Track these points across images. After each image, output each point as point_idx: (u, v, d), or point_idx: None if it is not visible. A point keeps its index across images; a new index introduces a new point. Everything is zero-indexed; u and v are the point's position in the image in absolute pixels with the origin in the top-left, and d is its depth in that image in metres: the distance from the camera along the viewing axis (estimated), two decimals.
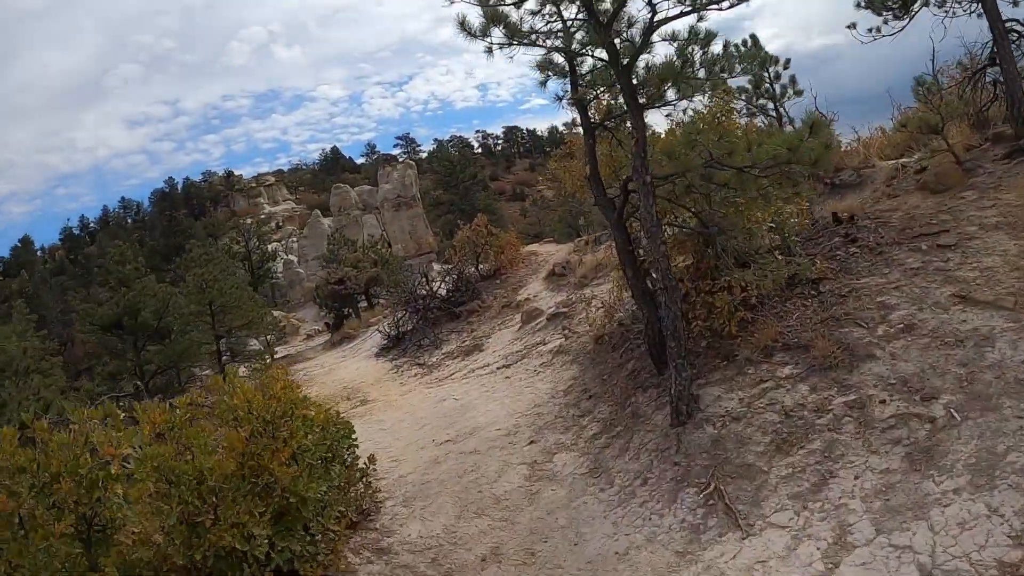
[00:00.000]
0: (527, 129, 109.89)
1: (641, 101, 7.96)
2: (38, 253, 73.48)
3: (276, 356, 28.50)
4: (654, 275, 8.29)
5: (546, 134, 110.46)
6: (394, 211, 44.26)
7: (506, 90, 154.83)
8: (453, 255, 22.86)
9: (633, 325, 10.53)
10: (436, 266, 28.29)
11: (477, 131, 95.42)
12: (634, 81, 7.93)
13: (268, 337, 29.08)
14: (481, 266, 21.98)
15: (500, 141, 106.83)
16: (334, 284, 26.83)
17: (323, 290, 27.95)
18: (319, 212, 49.37)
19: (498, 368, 12.70)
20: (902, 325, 6.89)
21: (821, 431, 6.20)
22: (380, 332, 19.81)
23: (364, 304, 29.87)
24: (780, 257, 8.73)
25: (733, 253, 8.58)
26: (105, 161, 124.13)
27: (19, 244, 70.47)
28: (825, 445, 6.03)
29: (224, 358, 21.34)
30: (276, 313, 38.00)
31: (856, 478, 5.56)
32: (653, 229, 7.79)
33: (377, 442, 10.20)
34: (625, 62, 7.80)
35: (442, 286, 20.10)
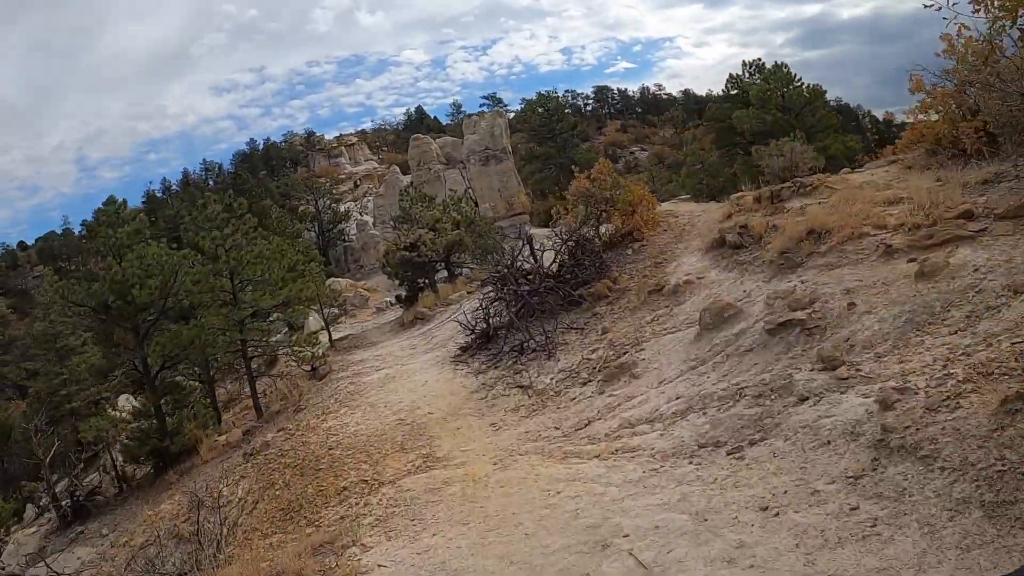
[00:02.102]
0: (618, 88, 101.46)
1: None
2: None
3: (334, 338, 23.04)
4: None
5: (637, 94, 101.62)
6: (481, 165, 38.07)
7: (591, 54, 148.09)
8: (562, 213, 16.18)
9: None
10: (536, 230, 21.76)
11: (566, 91, 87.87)
12: None
13: (325, 312, 23.61)
14: (603, 228, 15.34)
15: (590, 101, 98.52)
16: (406, 250, 20.88)
17: (393, 256, 22.11)
18: (398, 168, 43.82)
19: (691, 452, 6.04)
20: None
21: None
22: (461, 322, 13.53)
23: (443, 275, 23.86)
24: None
25: None
26: (194, 127, 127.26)
27: (103, 207, 70.12)
28: None
29: (251, 347, 15.78)
30: (341, 282, 32.76)
31: None
32: None
33: None
34: None
35: (554, 257, 13.56)
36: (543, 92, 41.75)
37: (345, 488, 8.05)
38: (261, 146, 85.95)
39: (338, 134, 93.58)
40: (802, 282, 8.89)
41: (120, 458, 17.66)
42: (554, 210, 17.08)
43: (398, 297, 24.95)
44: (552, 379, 9.88)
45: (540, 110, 40.53)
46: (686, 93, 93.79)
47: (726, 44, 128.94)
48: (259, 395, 16.87)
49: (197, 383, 19.13)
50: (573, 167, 22.92)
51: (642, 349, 9.65)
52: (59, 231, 74.64)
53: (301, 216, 43.35)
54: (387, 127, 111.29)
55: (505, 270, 12.82)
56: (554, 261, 13.20)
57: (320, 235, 44.80)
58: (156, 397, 16.39)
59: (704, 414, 6.62)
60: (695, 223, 16.26)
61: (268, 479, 9.74)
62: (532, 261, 13.17)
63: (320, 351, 17.45)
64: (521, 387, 9.86)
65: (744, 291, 10.17)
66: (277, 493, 8.95)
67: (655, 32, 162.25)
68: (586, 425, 7.82)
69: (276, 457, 10.69)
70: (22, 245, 79.35)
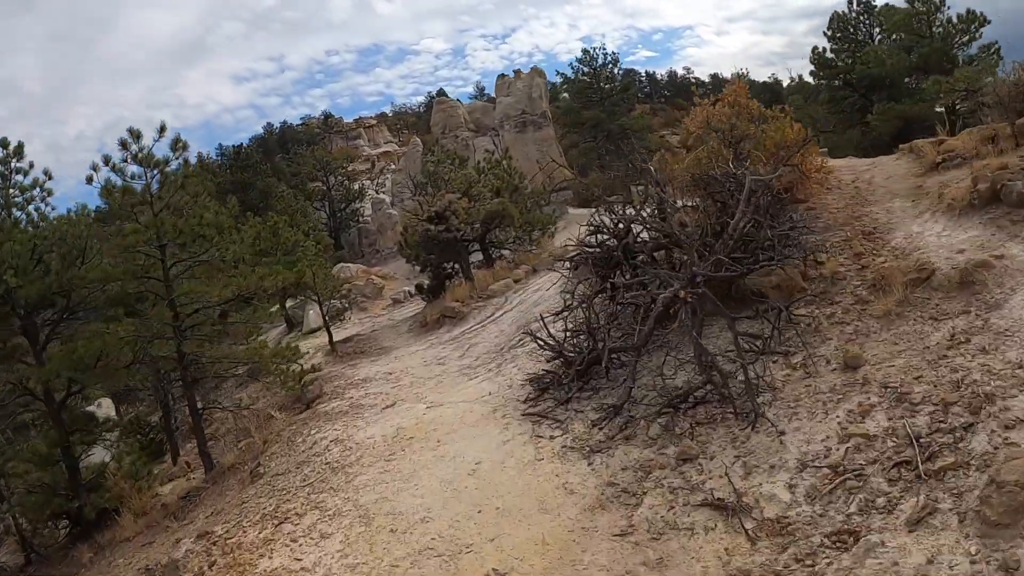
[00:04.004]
0: (645, 71, 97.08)
1: None
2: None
3: (336, 339, 17.45)
4: None
5: (665, 78, 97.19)
6: (517, 132, 32.20)
7: (611, 42, 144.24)
8: (673, 158, 10.41)
9: None
10: (577, 211, 15.83)
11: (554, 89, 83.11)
12: None
13: (326, 306, 18.04)
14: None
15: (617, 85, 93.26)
16: (429, 222, 15.14)
17: (413, 233, 16.41)
18: (419, 141, 38.10)
19: None
20: None
21: None
22: (540, 338, 7.66)
23: (474, 259, 18.15)
24: None
25: None
26: (214, 116, 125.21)
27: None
28: None
29: (200, 363, 10.14)
30: (352, 268, 27.24)
31: None
32: None
33: None
34: None
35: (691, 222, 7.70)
36: (588, 49, 35.69)
37: None
38: (278, 130, 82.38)
39: (357, 116, 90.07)
40: None
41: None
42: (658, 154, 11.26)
43: (419, 287, 19.24)
44: (785, 484, 4.09)
45: (585, 70, 34.36)
46: (714, 77, 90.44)
47: (747, 32, 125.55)
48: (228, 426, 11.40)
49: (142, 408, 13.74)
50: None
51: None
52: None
53: (310, 195, 37.78)
54: (408, 110, 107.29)
55: (616, 241, 6.97)
56: (698, 230, 7.34)
57: (331, 216, 39.18)
58: (62, 435, 10.94)
59: None
60: (872, 180, 10.69)
61: None
62: (659, 223, 7.30)
63: (303, 366, 11.88)
64: (716, 506, 4.10)
65: None
66: None
67: (675, 20, 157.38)
68: None
69: None
70: None
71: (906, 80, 20.16)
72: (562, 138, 35.07)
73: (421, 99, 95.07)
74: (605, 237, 7.55)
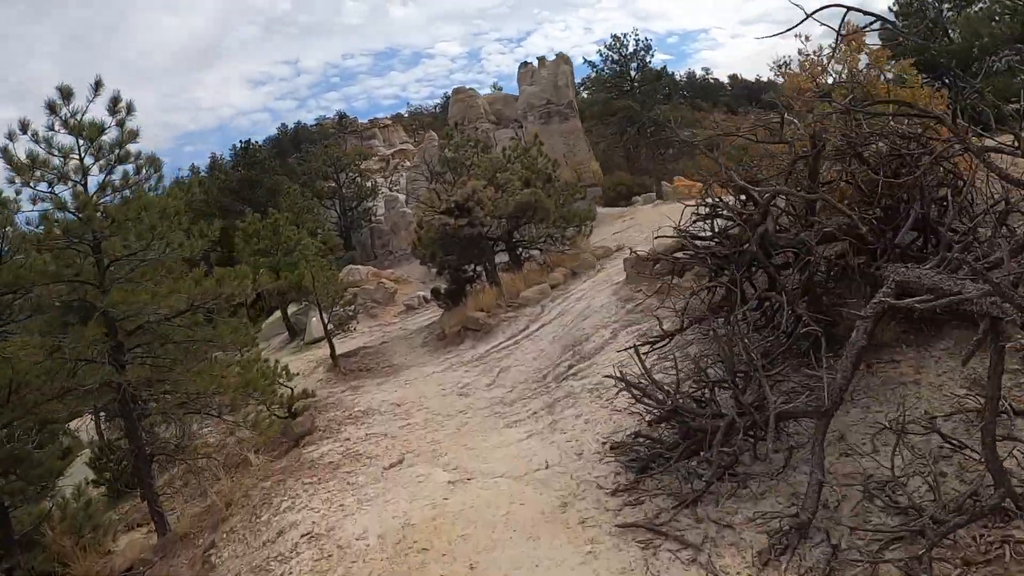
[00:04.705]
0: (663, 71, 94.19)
1: None
2: None
3: (339, 352, 14.96)
4: None
5: (684, 78, 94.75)
6: (542, 123, 29.57)
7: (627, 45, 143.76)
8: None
9: None
10: (605, 210, 13.36)
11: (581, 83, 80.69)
12: None
13: (327, 315, 15.61)
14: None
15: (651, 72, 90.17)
16: (449, 214, 12.57)
17: (429, 229, 13.87)
18: (435, 135, 35.61)
19: None
20: None
21: None
22: (630, 382, 5.03)
23: (499, 258, 15.59)
24: None
25: None
26: (230, 119, 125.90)
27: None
28: None
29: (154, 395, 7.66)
30: (361, 270, 24.83)
31: None
32: None
33: None
34: None
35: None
36: (616, 35, 32.78)
37: None
38: (292, 130, 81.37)
39: (372, 117, 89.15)
40: None
41: None
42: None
43: (435, 292, 16.71)
44: None
45: (615, 54, 31.63)
46: (733, 78, 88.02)
47: (762, 34, 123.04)
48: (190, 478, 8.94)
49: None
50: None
51: None
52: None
53: (318, 193, 35.39)
54: (424, 111, 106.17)
55: (747, 230, 4.36)
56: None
57: (342, 214, 36.75)
58: None
59: None
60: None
61: None
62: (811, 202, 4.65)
63: (293, 391, 9.41)
64: None
65: None
66: None
67: (690, 23, 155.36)
68: None
69: None
70: None
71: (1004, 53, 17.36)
72: (588, 132, 32.41)
73: (437, 101, 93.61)
74: (726, 224, 4.93)
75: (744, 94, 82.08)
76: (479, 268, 15.32)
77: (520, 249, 15.25)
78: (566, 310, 10.89)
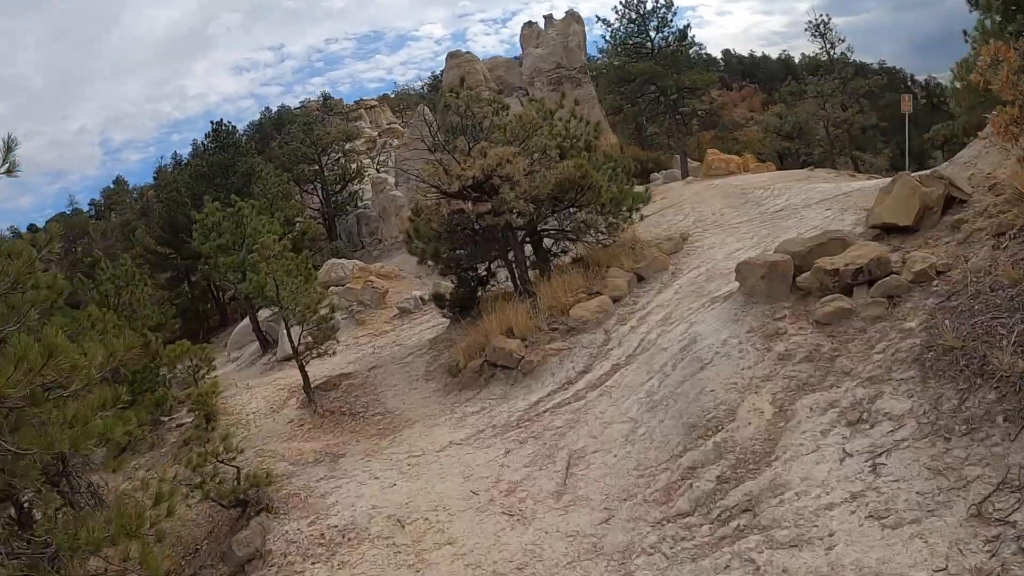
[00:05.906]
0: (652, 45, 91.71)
1: None
2: (132, 195, 68.31)
3: (318, 380, 11.06)
4: None
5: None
6: (551, 90, 25.39)
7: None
8: None
9: None
10: None
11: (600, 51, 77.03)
12: None
13: (296, 332, 11.67)
14: None
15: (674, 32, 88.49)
16: (463, 197, 8.68)
17: (429, 216, 9.98)
18: (427, 108, 31.45)
19: None
20: None
21: None
22: None
23: (527, 254, 11.63)
24: None
25: None
26: (216, 106, 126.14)
27: (112, 186, 65.32)
28: None
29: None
30: (346, 266, 20.84)
31: None
32: None
33: None
34: None
35: None
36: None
37: None
38: (275, 113, 77.54)
39: (358, 99, 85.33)
40: None
41: None
42: None
43: (436, 297, 12.76)
44: None
45: (632, 15, 27.54)
46: (727, 53, 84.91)
47: (749, 12, 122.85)
48: None
49: None
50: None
51: None
52: (68, 211, 67.47)
53: (299, 177, 31.26)
54: (411, 91, 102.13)
55: None
56: None
57: (325, 200, 32.59)
58: None
59: None
60: None
61: None
62: None
63: (235, 473, 5.63)
64: None
65: None
66: None
67: (677, 1, 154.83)
68: None
69: None
70: (32, 228, 73.12)
71: None
72: (601, 101, 28.37)
73: (425, 82, 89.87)
74: None
75: (739, 69, 78.91)
76: (491, 266, 11.43)
77: (554, 241, 11.42)
78: (651, 343, 7.05)
